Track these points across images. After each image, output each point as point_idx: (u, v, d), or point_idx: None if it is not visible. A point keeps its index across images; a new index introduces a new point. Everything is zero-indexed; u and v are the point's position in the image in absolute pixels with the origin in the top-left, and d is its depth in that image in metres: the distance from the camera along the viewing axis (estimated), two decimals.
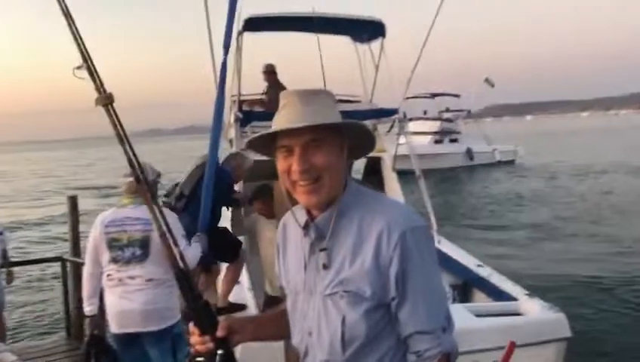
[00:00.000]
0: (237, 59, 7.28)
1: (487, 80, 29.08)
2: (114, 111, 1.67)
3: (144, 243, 3.34)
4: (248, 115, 6.95)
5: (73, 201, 6.81)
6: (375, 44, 8.14)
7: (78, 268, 5.90)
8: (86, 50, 1.69)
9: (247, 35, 7.33)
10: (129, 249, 3.35)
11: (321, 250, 1.40)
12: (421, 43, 7.27)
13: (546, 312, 4.31)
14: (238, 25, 6.98)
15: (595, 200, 17.65)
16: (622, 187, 19.71)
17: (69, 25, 1.64)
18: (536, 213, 15.95)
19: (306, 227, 1.43)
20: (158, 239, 3.17)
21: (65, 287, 6.52)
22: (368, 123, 7.66)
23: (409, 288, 1.30)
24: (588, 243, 12.09)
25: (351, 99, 8.57)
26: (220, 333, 1.39)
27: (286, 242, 1.58)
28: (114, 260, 3.36)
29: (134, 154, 1.66)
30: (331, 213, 1.39)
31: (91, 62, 1.69)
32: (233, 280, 4.59)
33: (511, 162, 30.15)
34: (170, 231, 1.60)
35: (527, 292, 4.90)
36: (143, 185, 1.56)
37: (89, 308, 3.54)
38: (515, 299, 4.76)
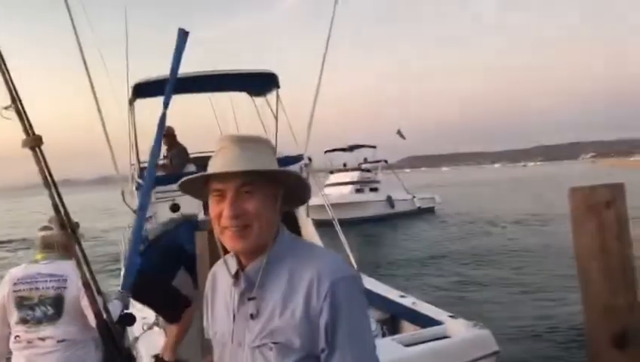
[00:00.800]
0: (130, 126, 7.02)
1: (399, 132, 30.54)
2: (42, 154, 1.69)
3: (57, 302, 3.13)
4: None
5: None
6: (272, 96, 8.17)
7: None
8: (15, 89, 1.68)
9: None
10: (40, 308, 3.13)
11: (250, 299, 1.38)
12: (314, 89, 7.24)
13: (472, 330, 4.40)
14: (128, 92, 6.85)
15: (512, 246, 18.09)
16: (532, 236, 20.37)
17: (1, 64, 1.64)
18: (460, 259, 16.03)
19: (236, 276, 1.42)
20: (72, 297, 3.09)
21: None
22: None
23: (338, 339, 1.27)
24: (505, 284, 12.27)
25: None
26: None
27: (215, 292, 1.55)
28: (23, 320, 3.13)
29: (61, 200, 1.70)
30: (261, 262, 1.37)
31: (20, 102, 1.69)
32: (178, 336, 4.45)
33: (430, 210, 30.75)
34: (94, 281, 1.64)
35: (450, 314, 4.96)
36: (69, 231, 1.58)
37: None
38: (440, 323, 4.77)
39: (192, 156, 7.89)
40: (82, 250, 1.70)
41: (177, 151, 7.71)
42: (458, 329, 4.54)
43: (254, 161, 1.36)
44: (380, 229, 24.65)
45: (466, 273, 13.68)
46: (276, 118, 8.23)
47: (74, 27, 6.21)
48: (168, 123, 7.82)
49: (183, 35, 6.06)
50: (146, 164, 7.03)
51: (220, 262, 1.52)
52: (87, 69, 6.50)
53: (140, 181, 6.48)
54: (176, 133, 7.93)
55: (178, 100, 8.91)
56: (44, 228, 3.31)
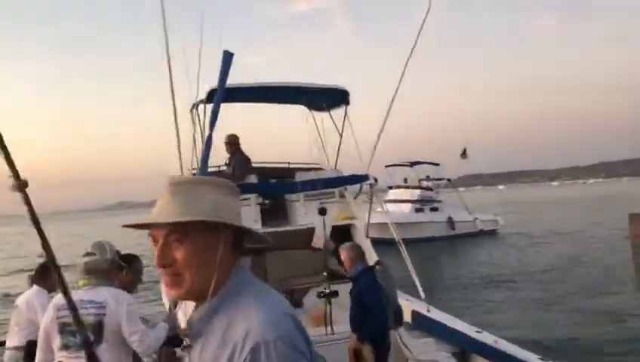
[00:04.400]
0: (195, 131, 7.03)
1: (464, 152, 29.58)
2: (26, 197, 1.84)
3: (97, 328, 3.16)
4: None
5: None
6: (337, 112, 8.14)
7: None
8: (1, 136, 1.74)
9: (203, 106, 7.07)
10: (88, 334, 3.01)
11: (185, 348, 1.38)
12: (386, 107, 7.03)
13: None
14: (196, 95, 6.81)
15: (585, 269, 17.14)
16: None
17: None
18: (530, 285, 15.24)
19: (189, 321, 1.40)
20: (112, 323, 3.15)
21: None
22: (335, 189, 7.58)
23: None
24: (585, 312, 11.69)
25: (312, 166, 8.33)
26: None
27: None
28: (65, 346, 3.15)
29: (45, 239, 1.85)
30: (203, 310, 1.35)
31: (6, 148, 1.76)
32: None
33: (493, 232, 29.69)
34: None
35: (539, 356, 4.65)
36: (52, 270, 1.72)
37: None
38: None
39: (254, 166, 7.80)
40: (62, 280, 1.87)
41: (240, 160, 7.65)
42: None
43: (183, 208, 1.31)
44: (438, 250, 23.98)
45: (539, 302, 12.98)
46: (341, 134, 8.15)
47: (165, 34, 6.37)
48: (232, 131, 7.94)
49: (228, 56, 6.05)
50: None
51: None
52: (171, 79, 6.48)
53: None
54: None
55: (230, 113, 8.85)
56: (87, 254, 3.34)
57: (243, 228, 1.38)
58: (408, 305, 6.46)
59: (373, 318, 4.83)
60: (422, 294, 6.47)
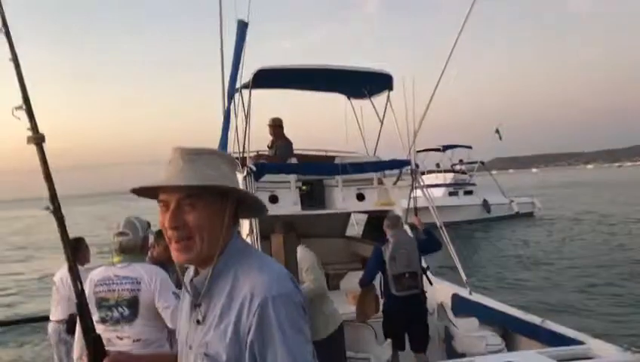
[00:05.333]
0: (244, 113, 6.93)
1: (497, 131, 28.63)
2: (42, 150, 1.92)
3: (133, 303, 3.27)
4: (261, 167, 6.54)
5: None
6: (378, 98, 8.07)
7: None
8: (26, 91, 1.92)
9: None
10: (117, 309, 3.32)
11: (196, 306, 1.44)
12: (429, 93, 6.92)
13: (624, 354, 3.96)
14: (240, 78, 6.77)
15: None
16: None
17: (16, 68, 1.94)
18: (570, 269, 14.93)
19: (191, 283, 1.46)
20: (146, 298, 3.26)
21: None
22: (374, 175, 7.53)
23: (267, 358, 1.27)
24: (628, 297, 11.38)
25: (349, 154, 8.23)
26: None
27: (183, 297, 1.60)
28: (102, 320, 3.27)
29: (55, 193, 1.92)
30: (208, 273, 1.41)
31: (29, 103, 1.92)
32: None
33: (529, 214, 29.16)
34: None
35: (589, 335, 4.50)
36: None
37: None
38: (581, 343, 4.36)
39: (295, 152, 7.79)
40: (68, 251, 1.94)
41: (283, 143, 7.65)
42: (607, 350, 4.11)
43: (199, 174, 1.38)
44: (474, 233, 23.70)
45: (584, 287, 12.69)
46: (382, 122, 8.08)
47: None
48: (277, 115, 7.95)
49: (242, 26, 5.89)
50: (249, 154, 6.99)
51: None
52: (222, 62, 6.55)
53: (252, 166, 6.42)
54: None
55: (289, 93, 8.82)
56: (120, 233, 3.44)
57: (249, 194, 1.51)
58: (449, 289, 6.37)
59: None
60: (464, 278, 6.40)
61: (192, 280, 1.47)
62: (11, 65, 2.01)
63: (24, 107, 1.96)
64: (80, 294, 2.02)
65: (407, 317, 5.51)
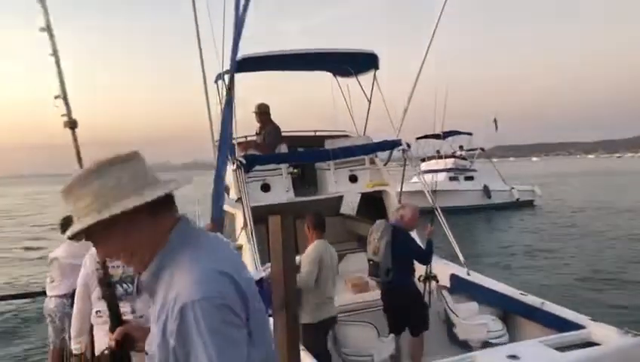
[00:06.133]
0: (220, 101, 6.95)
1: (495, 121, 28.74)
2: (75, 134, 2.42)
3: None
4: (252, 159, 6.48)
5: None
6: (364, 77, 8.07)
7: None
8: (64, 83, 2.40)
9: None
10: (122, 285, 3.39)
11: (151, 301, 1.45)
12: (415, 72, 7.01)
13: (624, 338, 4.03)
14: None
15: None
16: None
17: (57, 62, 2.41)
18: (570, 256, 14.69)
19: (138, 279, 1.47)
20: None
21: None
22: (366, 157, 7.51)
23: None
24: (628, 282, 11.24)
25: (339, 134, 8.22)
26: (114, 335, 1.72)
27: None
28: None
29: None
30: (149, 272, 1.42)
31: (66, 93, 2.40)
32: None
33: (529, 202, 28.89)
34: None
35: (589, 317, 4.51)
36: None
37: (77, 345, 3.61)
38: (581, 327, 4.37)
39: (284, 135, 7.70)
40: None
41: (271, 129, 7.53)
42: (607, 335, 4.13)
43: (82, 213, 1.35)
44: (474, 220, 23.37)
45: (583, 273, 12.50)
46: (369, 100, 8.07)
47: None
48: (264, 100, 7.84)
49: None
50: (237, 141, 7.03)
51: None
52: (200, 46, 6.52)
53: (242, 159, 6.37)
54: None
55: (269, 75, 8.82)
56: None
57: (154, 197, 1.37)
58: (446, 269, 6.29)
59: None
60: (462, 259, 6.30)
61: (139, 276, 1.46)
62: (52, 59, 2.39)
63: (62, 96, 2.34)
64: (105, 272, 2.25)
65: (390, 301, 5.40)
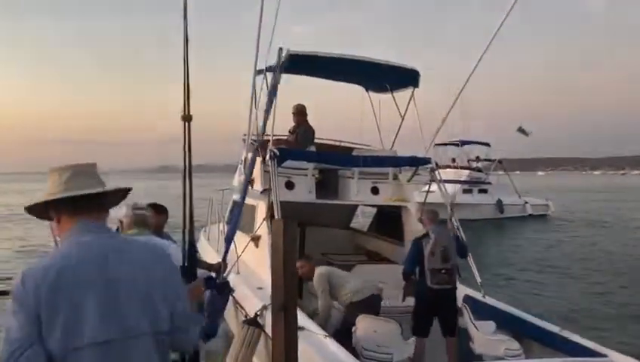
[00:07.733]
0: (269, 98, 6.80)
1: (520, 129, 27.63)
2: (189, 128, 2.69)
3: None
4: (285, 153, 6.54)
5: None
6: (399, 93, 8.10)
7: None
8: (188, 80, 2.69)
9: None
10: None
11: None
12: (456, 91, 6.90)
13: None
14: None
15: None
16: None
17: (185, 65, 2.69)
18: (584, 273, 14.67)
19: None
20: None
21: None
22: (389, 170, 7.55)
23: None
24: None
25: (365, 147, 8.31)
26: None
27: None
28: None
29: (190, 167, 2.75)
30: None
31: (188, 88, 2.69)
32: None
33: (542, 216, 28.85)
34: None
35: (612, 350, 4.51)
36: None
37: None
38: (602, 356, 4.38)
39: (315, 140, 7.81)
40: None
41: (306, 128, 7.69)
42: None
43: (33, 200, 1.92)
44: (485, 232, 23.31)
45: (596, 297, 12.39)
46: (403, 117, 8.06)
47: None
48: (301, 101, 7.91)
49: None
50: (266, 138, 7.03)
51: None
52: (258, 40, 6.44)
53: (276, 150, 6.41)
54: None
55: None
56: (136, 208, 3.70)
57: (55, 198, 1.85)
58: (461, 290, 6.24)
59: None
60: (478, 280, 6.32)
61: None
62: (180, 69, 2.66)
63: (184, 91, 2.60)
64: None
65: (437, 306, 5.63)
